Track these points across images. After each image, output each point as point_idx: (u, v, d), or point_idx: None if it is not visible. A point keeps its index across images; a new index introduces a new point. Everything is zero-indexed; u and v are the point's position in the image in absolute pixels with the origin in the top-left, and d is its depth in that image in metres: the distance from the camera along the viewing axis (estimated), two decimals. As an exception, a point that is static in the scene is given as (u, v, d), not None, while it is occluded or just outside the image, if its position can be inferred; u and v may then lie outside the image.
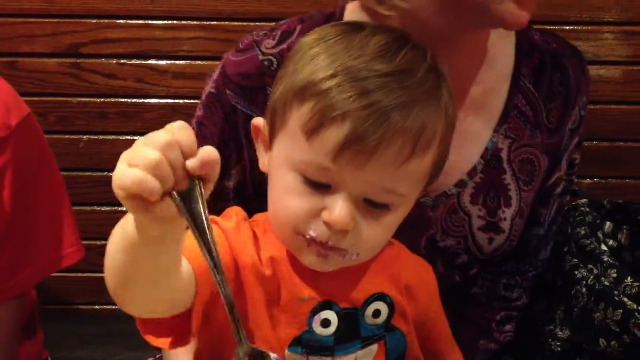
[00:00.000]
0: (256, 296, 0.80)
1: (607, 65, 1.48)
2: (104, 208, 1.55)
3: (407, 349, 0.88)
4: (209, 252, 0.62)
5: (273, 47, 0.94)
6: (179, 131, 0.59)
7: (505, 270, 1.09)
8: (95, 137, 1.51)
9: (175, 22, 1.44)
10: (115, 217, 1.58)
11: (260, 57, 0.93)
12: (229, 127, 0.94)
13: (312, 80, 0.75)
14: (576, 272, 1.14)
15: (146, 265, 0.65)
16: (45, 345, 1.22)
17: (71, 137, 1.51)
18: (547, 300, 1.22)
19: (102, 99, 1.50)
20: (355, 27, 0.81)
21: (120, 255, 0.66)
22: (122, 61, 1.49)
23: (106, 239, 1.62)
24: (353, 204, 0.76)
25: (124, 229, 0.64)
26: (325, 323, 0.83)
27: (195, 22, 1.45)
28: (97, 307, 1.59)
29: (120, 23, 1.47)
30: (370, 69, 0.75)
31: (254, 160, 0.87)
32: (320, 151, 0.74)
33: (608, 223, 1.20)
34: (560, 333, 1.16)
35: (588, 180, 1.50)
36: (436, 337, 0.91)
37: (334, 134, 0.73)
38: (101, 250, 1.60)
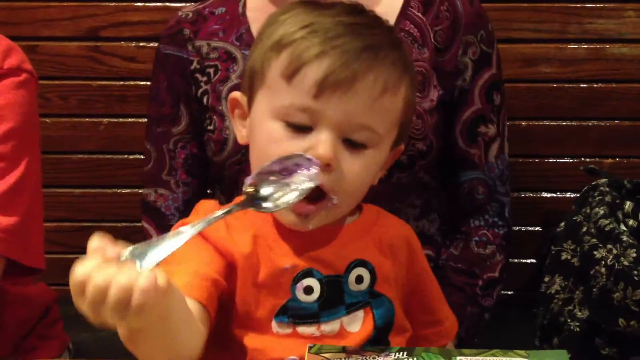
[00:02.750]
0: (240, 275, 0.83)
1: (630, 44, 1.46)
2: (124, 190, 1.56)
3: (394, 315, 0.89)
4: None
5: (190, 8, 1.19)
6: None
7: (472, 228, 1.17)
8: (115, 120, 1.52)
9: (193, 4, 1.44)
10: (136, 200, 1.60)
11: (180, 13, 1.19)
12: (171, 79, 1.15)
13: (286, 34, 0.82)
14: (595, 253, 1.14)
15: (158, 338, 0.69)
16: (65, 328, 1.23)
17: (92, 120, 1.52)
18: (565, 280, 1.22)
19: (121, 82, 1.51)
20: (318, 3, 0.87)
21: (130, 344, 0.69)
22: (142, 44, 1.49)
23: (128, 220, 1.64)
24: (334, 142, 0.80)
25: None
26: (308, 290, 0.85)
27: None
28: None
29: (139, 6, 1.48)
30: (339, 21, 0.82)
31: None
32: (301, 91, 0.79)
33: (628, 203, 1.19)
34: (579, 313, 1.16)
35: (610, 160, 1.48)
36: (425, 293, 0.93)
37: (313, 72, 0.79)
38: (123, 232, 1.63)
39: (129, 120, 1.52)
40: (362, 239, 0.88)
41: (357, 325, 0.88)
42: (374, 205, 0.93)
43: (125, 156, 1.54)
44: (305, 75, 0.79)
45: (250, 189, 0.76)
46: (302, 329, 0.85)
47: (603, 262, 1.12)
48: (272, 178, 0.77)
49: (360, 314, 0.87)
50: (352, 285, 0.87)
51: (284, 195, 0.77)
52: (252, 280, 0.84)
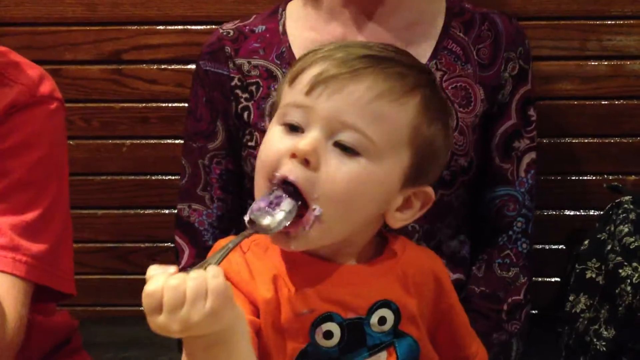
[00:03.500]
0: (263, 318, 0.82)
1: (651, 60, 1.45)
2: (147, 211, 1.57)
3: (420, 354, 0.87)
4: None
5: (231, 25, 1.22)
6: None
7: (496, 249, 1.16)
8: (138, 141, 1.54)
9: (213, 26, 1.45)
10: (158, 220, 1.60)
11: (220, 30, 1.22)
12: (210, 95, 1.18)
13: (297, 60, 0.86)
14: (620, 271, 1.13)
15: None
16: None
17: (114, 142, 1.54)
18: (590, 299, 1.20)
19: (143, 104, 1.52)
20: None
21: None
22: (163, 66, 1.51)
23: (150, 241, 1.65)
24: (322, 140, 0.79)
25: None
26: (328, 335, 0.83)
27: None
28: (141, 309, 1.61)
29: (160, 29, 1.50)
30: (353, 47, 0.84)
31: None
32: (298, 90, 0.81)
33: (653, 220, 1.18)
34: (605, 333, 1.15)
35: (633, 177, 1.46)
36: (453, 328, 0.91)
37: (311, 72, 0.81)
38: (146, 253, 1.63)
39: (151, 141, 1.53)
40: (386, 277, 0.86)
41: None
42: (409, 229, 0.92)
43: (148, 177, 1.55)
44: (304, 76, 0.82)
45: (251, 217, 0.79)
46: None
47: (629, 281, 1.11)
48: (264, 213, 0.79)
49: (383, 355, 0.86)
50: (375, 327, 0.85)
51: (276, 217, 0.79)
52: (273, 323, 0.83)
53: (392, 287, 0.86)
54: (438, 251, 1.14)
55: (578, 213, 1.48)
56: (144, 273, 1.69)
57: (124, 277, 1.60)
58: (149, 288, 0.67)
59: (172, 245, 1.57)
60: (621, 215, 1.20)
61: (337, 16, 1.15)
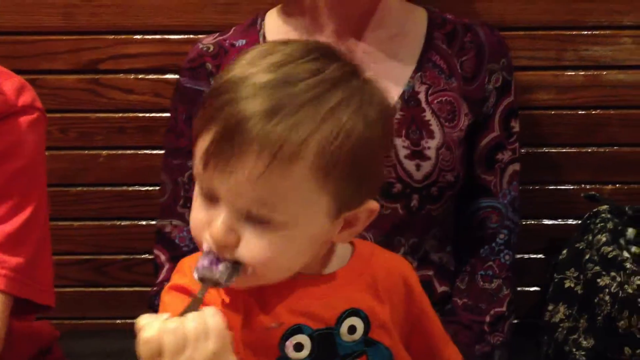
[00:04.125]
0: (235, 336, 0.80)
1: (627, 70, 1.47)
2: (124, 222, 1.56)
3: None
4: None
5: (211, 40, 1.21)
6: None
7: (478, 260, 1.16)
8: (115, 152, 1.52)
9: (192, 36, 1.45)
10: (135, 231, 1.59)
11: (200, 45, 1.21)
12: (190, 112, 1.16)
13: (206, 95, 0.79)
14: (599, 280, 1.13)
15: None
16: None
17: (91, 152, 1.52)
18: (569, 309, 1.21)
19: (120, 114, 1.51)
20: (281, 42, 0.82)
21: None
22: (140, 76, 1.50)
23: (127, 252, 1.64)
24: (235, 218, 0.75)
25: None
26: (298, 347, 0.83)
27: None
28: (118, 321, 1.59)
29: (137, 39, 1.48)
30: (252, 78, 0.74)
31: None
32: (197, 158, 0.77)
33: (630, 229, 1.19)
34: (584, 342, 1.15)
35: (610, 187, 1.48)
36: (426, 334, 0.91)
37: (204, 141, 0.75)
38: (122, 265, 1.62)
39: (128, 152, 1.52)
40: (353, 285, 0.85)
41: None
42: (395, 243, 0.92)
43: (125, 188, 1.53)
44: (200, 143, 0.76)
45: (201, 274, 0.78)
46: None
47: (607, 290, 1.11)
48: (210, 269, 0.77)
49: None
50: (345, 336, 0.84)
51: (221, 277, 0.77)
52: (243, 339, 0.81)
53: (360, 295, 0.85)
54: (425, 263, 1.14)
55: (556, 222, 1.48)
56: (121, 285, 1.68)
57: (100, 289, 1.59)
58: (145, 335, 0.67)
59: (150, 257, 1.55)
60: (599, 225, 1.21)
61: (320, 29, 1.14)
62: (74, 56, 1.49)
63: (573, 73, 1.46)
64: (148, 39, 1.49)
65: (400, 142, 1.11)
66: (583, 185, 1.47)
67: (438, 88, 1.14)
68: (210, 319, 0.68)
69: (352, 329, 0.84)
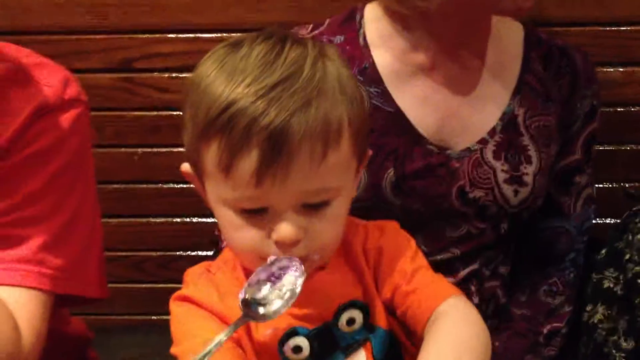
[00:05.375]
0: (240, 339, 0.83)
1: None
2: (159, 220, 1.57)
3: (395, 345, 0.87)
4: None
5: (305, 32, 1.13)
6: None
7: (542, 275, 1.15)
8: (150, 149, 1.53)
9: (224, 34, 1.45)
10: (170, 229, 1.60)
11: None
12: None
13: (210, 119, 0.77)
14: (639, 281, 1.11)
15: None
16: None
17: (126, 150, 1.53)
18: (608, 309, 1.19)
19: (155, 112, 1.52)
20: (235, 46, 0.81)
21: None
22: (174, 75, 1.50)
23: (162, 249, 1.66)
24: (294, 214, 0.77)
25: None
26: (297, 350, 0.84)
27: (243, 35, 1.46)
28: (154, 317, 1.61)
29: (170, 37, 1.49)
30: (257, 88, 0.76)
31: None
32: (242, 183, 0.76)
33: (671, 229, 1.17)
34: (624, 344, 1.13)
35: (651, 184, 1.45)
36: (417, 293, 0.86)
37: (247, 164, 0.75)
38: (158, 262, 1.63)
39: (163, 150, 1.53)
40: (345, 277, 0.86)
41: None
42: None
43: (160, 185, 1.55)
44: (239, 168, 0.76)
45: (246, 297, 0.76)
46: None
47: (648, 292, 1.10)
48: (263, 288, 0.77)
49: (361, 352, 0.86)
50: (344, 328, 0.85)
51: (278, 300, 0.76)
52: (244, 345, 0.83)
53: (353, 286, 0.86)
54: (494, 275, 1.14)
55: (594, 221, 1.46)
56: (156, 282, 1.70)
57: (137, 285, 1.60)
58: None
59: (184, 253, 1.57)
60: (639, 224, 1.18)
61: (426, 45, 1.07)
62: (107, 55, 1.50)
63: (612, 69, 1.43)
64: (181, 37, 1.49)
65: (499, 166, 1.09)
66: (622, 184, 1.45)
67: (536, 112, 1.12)
68: None
69: (351, 321, 0.85)
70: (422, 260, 0.89)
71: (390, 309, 0.88)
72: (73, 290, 0.97)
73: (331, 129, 0.77)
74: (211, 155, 0.77)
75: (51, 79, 0.99)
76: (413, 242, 0.90)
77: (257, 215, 0.78)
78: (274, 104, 0.75)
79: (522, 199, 1.09)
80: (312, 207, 0.78)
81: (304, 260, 0.78)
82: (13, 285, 0.91)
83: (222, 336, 0.72)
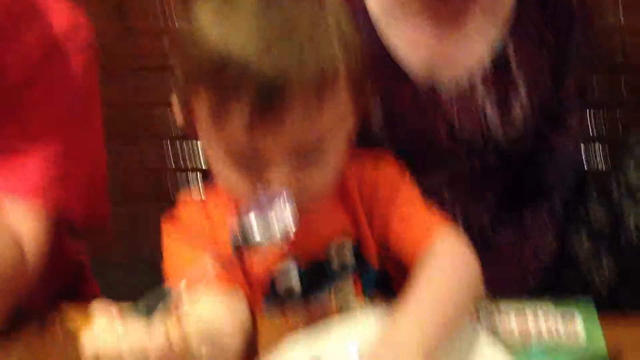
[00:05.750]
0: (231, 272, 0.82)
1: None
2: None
3: (386, 281, 0.88)
4: None
5: None
6: None
7: (529, 208, 1.15)
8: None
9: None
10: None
11: None
12: None
13: (199, 67, 0.73)
14: (624, 208, 1.12)
15: None
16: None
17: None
18: (591, 237, 1.21)
19: None
20: None
21: None
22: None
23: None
24: (287, 162, 0.75)
25: None
26: (288, 284, 0.85)
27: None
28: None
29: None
30: (249, 36, 0.71)
31: None
32: (232, 133, 0.73)
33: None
34: (607, 271, 1.15)
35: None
36: (411, 225, 0.85)
37: (238, 115, 0.72)
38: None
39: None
40: (338, 215, 0.85)
41: (347, 292, 0.87)
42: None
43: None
44: (231, 120, 0.73)
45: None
46: (292, 314, 0.85)
47: (632, 218, 1.11)
48: (252, 220, 0.74)
49: (351, 288, 0.87)
50: (335, 264, 0.86)
51: (267, 233, 0.74)
52: (236, 277, 0.84)
53: (345, 223, 0.85)
54: (482, 208, 1.14)
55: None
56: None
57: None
58: (87, 350, 0.63)
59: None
60: (627, 154, 1.19)
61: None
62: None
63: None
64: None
65: (488, 105, 1.09)
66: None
67: (528, 50, 1.10)
68: (154, 340, 0.63)
69: (342, 258, 0.86)
70: (415, 194, 0.88)
71: (382, 244, 0.88)
72: (77, 219, 0.98)
73: (327, 79, 0.73)
74: (201, 103, 0.75)
75: (64, 20, 0.97)
76: (407, 176, 0.89)
77: (248, 161, 0.76)
78: (266, 52, 0.71)
79: (511, 137, 1.09)
80: (307, 154, 0.76)
81: (297, 203, 0.76)
82: (19, 196, 0.92)
83: (206, 266, 0.71)
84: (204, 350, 0.67)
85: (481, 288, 0.79)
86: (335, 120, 0.76)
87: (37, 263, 0.92)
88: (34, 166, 0.93)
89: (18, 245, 0.89)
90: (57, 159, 0.95)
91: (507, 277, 1.14)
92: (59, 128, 0.95)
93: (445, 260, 0.79)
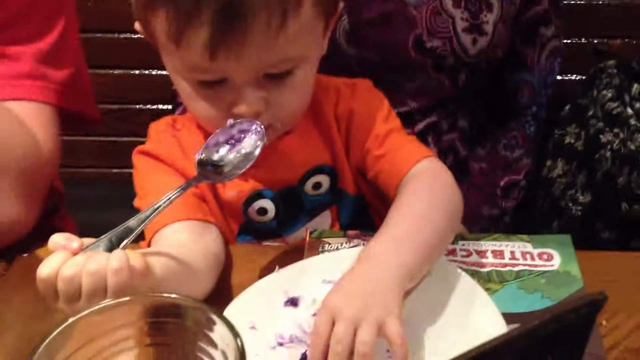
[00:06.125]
0: (205, 196, 0.82)
1: None
2: (117, 72, 1.52)
3: (363, 207, 0.87)
4: None
5: None
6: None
7: (503, 129, 1.14)
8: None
9: None
10: (129, 81, 1.54)
11: None
12: None
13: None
14: (601, 137, 1.12)
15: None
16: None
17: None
18: (567, 164, 1.20)
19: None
20: None
21: None
22: None
23: (121, 102, 1.60)
24: (254, 86, 0.73)
25: None
26: (262, 212, 0.84)
27: None
28: (115, 170, 1.60)
29: None
30: None
31: None
32: (194, 56, 0.71)
33: (636, 85, 1.16)
34: (581, 198, 1.15)
35: (618, 41, 1.43)
36: (390, 154, 0.84)
37: (198, 36, 0.69)
38: (117, 115, 1.59)
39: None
40: (313, 140, 0.84)
41: (324, 227, 0.86)
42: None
43: (116, 35, 1.48)
44: (191, 40, 0.70)
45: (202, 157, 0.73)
46: (268, 244, 0.85)
47: (609, 147, 1.10)
48: (221, 149, 0.73)
49: (325, 215, 0.86)
50: (310, 192, 0.84)
51: (237, 162, 0.72)
52: (209, 203, 0.82)
53: (321, 150, 0.84)
54: (453, 128, 1.12)
55: (559, 78, 1.45)
56: (117, 135, 1.66)
57: (97, 139, 1.58)
58: (42, 273, 0.61)
59: (144, 107, 1.53)
60: (604, 80, 1.18)
61: None
62: None
63: None
64: None
65: (458, 14, 1.05)
66: (590, 40, 1.42)
67: None
68: (111, 276, 0.60)
69: (317, 185, 0.84)
70: (395, 122, 0.86)
71: (361, 172, 0.86)
72: (78, 105, 0.98)
73: None
74: (160, 25, 0.72)
75: None
76: (386, 103, 0.87)
77: (215, 86, 0.74)
78: None
79: (481, 49, 1.06)
80: (274, 77, 0.74)
81: (267, 128, 0.75)
82: (20, 99, 0.92)
83: (173, 193, 0.69)
84: (165, 284, 0.65)
85: (460, 213, 0.78)
86: (302, 37, 0.73)
87: (55, 152, 0.94)
88: (24, 53, 0.92)
89: (30, 135, 0.90)
90: (46, 46, 0.94)
91: (477, 200, 1.14)
92: (41, 14, 0.94)
93: (424, 185, 0.78)
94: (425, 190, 0.77)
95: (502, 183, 1.14)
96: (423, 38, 1.04)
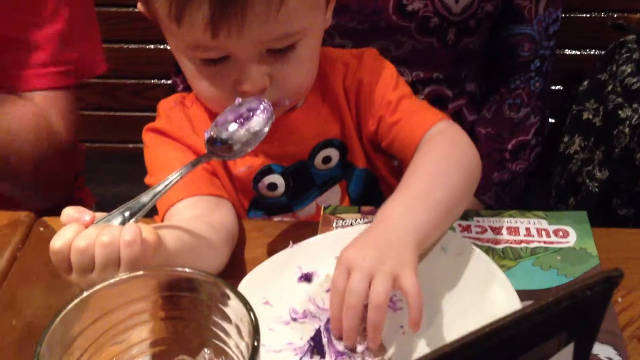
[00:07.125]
0: (216, 172, 0.83)
1: None
2: (132, 46, 1.52)
3: (373, 182, 0.86)
4: None
5: None
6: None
7: (507, 89, 1.11)
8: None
9: None
10: (144, 55, 1.53)
11: None
12: None
13: None
14: (619, 112, 1.11)
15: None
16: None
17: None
18: (585, 140, 1.19)
19: None
20: None
21: None
22: None
23: (135, 77, 1.59)
24: (258, 62, 0.73)
25: None
26: (272, 187, 0.84)
27: None
28: (130, 145, 1.60)
29: None
30: None
31: None
32: (196, 34, 0.71)
33: (657, 60, 1.14)
34: (598, 174, 1.14)
35: (638, 15, 1.41)
36: (404, 120, 0.83)
37: (199, 14, 0.69)
38: (131, 89, 1.59)
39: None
40: (321, 114, 0.83)
41: (334, 201, 0.86)
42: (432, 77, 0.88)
43: (131, 9, 1.48)
44: (192, 17, 0.70)
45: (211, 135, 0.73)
46: (278, 219, 0.85)
47: (627, 122, 1.09)
48: (229, 127, 0.73)
49: (335, 189, 0.86)
50: (320, 166, 0.84)
51: (246, 140, 0.72)
52: (222, 179, 0.83)
53: (330, 124, 0.84)
54: (461, 93, 1.11)
55: (579, 53, 1.43)
56: (131, 110, 1.66)
57: (110, 113, 1.58)
58: (55, 245, 0.61)
59: (159, 81, 1.53)
60: (624, 55, 1.16)
61: None
62: None
63: None
64: None
65: None
66: (610, 14, 1.40)
67: None
68: (124, 248, 0.60)
69: (327, 159, 0.84)
70: (405, 88, 0.85)
71: (374, 144, 0.86)
72: (89, 74, 1.05)
73: None
74: (160, 6, 0.71)
75: None
76: (394, 70, 0.86)
77: (218, 64, 0.74)
78: None
79: (465, 6, 1.03)
80: (277, 52, 0.73)
81: (274, 104, 0.74)
82: (43, 89, 0.99)
83: (184, 168, 0.69)
84: (179, 258, 0.65)
85: (478, 172, 0.77)
86: (303, 11, 0.73)
87: (70, 133, 1.01)
88: (41, 40, 0.98)
89: (52, 130, 0.98)
90: (59, 29, 0.99)
91: (487, 167, 1.12)
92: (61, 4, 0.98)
93: (439, 146, 0.77)
94: (440, 150, 0.77)
95: (509, 146, 1.12)
96: (403, 1, 1.02)
